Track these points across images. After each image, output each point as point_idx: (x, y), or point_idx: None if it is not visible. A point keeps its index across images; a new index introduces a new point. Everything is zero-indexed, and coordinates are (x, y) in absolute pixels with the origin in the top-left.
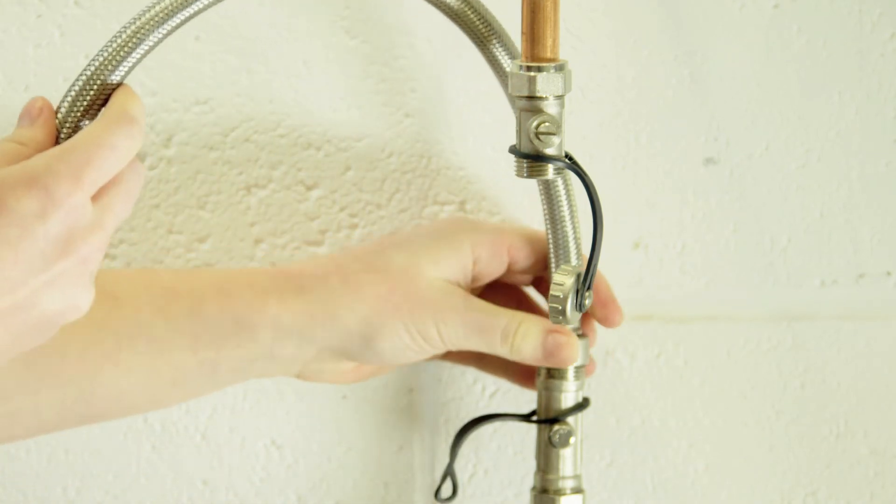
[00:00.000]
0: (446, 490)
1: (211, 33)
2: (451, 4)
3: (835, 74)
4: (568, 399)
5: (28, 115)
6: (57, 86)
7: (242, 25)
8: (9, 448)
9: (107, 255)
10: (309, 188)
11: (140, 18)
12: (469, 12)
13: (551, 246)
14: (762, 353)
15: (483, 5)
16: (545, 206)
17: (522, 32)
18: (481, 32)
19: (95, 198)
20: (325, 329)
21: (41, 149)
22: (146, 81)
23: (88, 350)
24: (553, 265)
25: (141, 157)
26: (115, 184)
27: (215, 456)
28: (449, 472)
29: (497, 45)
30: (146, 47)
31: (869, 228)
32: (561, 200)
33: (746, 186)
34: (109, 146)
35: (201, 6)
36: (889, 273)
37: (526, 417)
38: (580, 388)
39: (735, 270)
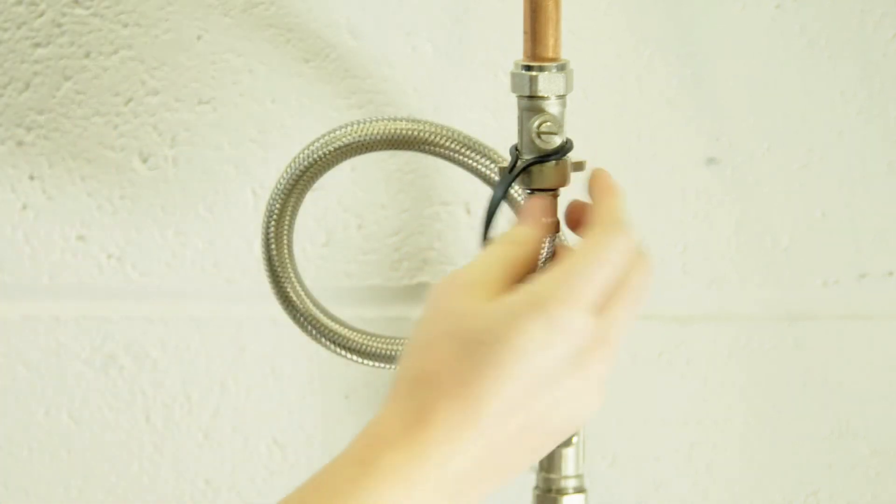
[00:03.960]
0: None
1: (213, 33)
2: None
3: (836, 74)
4: None
5: (529, 214)
6: (58, 85)
7: (244, 25)
8: (11, 448)
9: (110, 256)
10: (312, 188)
11: None
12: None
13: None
14: (764, 352)
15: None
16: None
17: (524, 32)
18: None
19: (601, 311)
20: None
21: (533, 244)
22: (148, 81)
23: None
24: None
25: (144, 156)
26: (618, 295)
27: (217, 455)
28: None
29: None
30: None
31: (871, 228)
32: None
33: (748, 186)
34: (607, 262)
35: None
36: (891, 273)
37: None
38: None
39: (737, 270)
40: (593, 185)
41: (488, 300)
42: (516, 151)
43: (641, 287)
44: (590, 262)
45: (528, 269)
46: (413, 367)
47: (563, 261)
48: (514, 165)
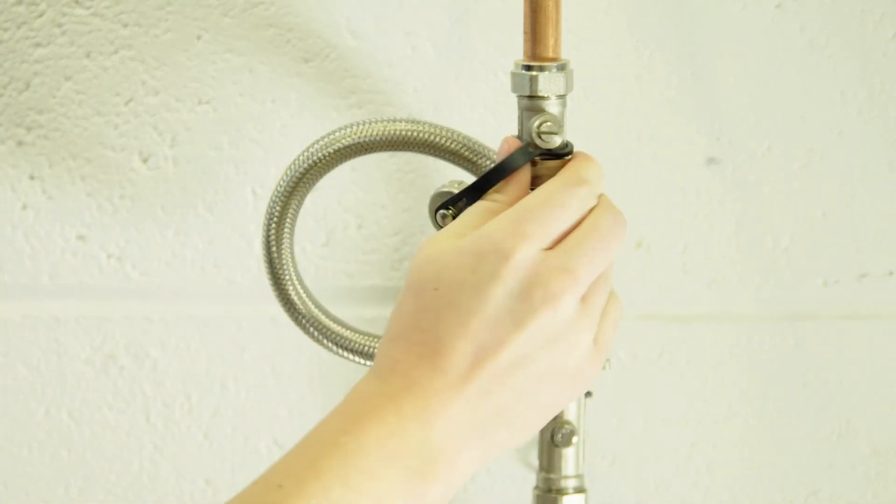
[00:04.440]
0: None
1: (213, 33)
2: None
3: (837, 74)
4: None
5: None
6: (58, 85)
7: (244, 24)
8: (11, 447)
9: (110, 256)
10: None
11: None
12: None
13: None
14: (764, 352)
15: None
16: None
17: (524, 32)
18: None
19: (552, 248)
20: None
21: (512, 202)
22: (148, 81)
23: None
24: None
25: (144, 156)
26: (575, 232)
27: (217, 455)
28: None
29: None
30: None
31: (871, 228)
32: None
33: (748, 186)
34: (558, 205)
35: None
36: (891, 273)
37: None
38: None
39: (737, 270)
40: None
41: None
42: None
43: (604, 227)
44: (540, 202)
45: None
46: (388, 328)
47: (514, 205)
48: (526, 150)
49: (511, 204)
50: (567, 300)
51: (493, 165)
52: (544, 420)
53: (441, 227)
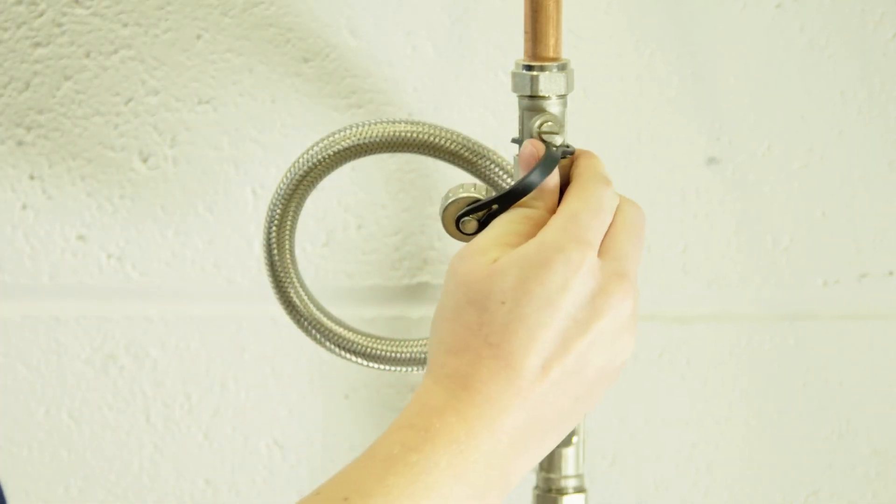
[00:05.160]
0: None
1: (213, 32)
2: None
3: (837, 74)
4: None
5: (524, 163)
6: (58, 85)
7: (244, 24)
8: (11, 447)
9: (110, 256)
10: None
11: None
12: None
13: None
14: (764, 352)
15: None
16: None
17: (525, 32)
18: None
19: (603, 253)
20: None
21: (551, 208)
22: (148, 80)
23: None
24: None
25: (144, 156)
26: (616, 233)
27: (217, 455)
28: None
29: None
30: None
31: (871, 228)
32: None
33: (748, 186)
34: (599, 209)
35: None
36: (891, 273)
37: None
38: None
39: (737, 270)
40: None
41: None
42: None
43: (636, 223)
44: (588, 209)
45: (533, 221)
46: (444, 339)
47: (561, 212)
48: (556, 153)
49: (550, 210)
50: (625, 305)
51: (530, 172)
52: (582, 418)
53: (462, 233)
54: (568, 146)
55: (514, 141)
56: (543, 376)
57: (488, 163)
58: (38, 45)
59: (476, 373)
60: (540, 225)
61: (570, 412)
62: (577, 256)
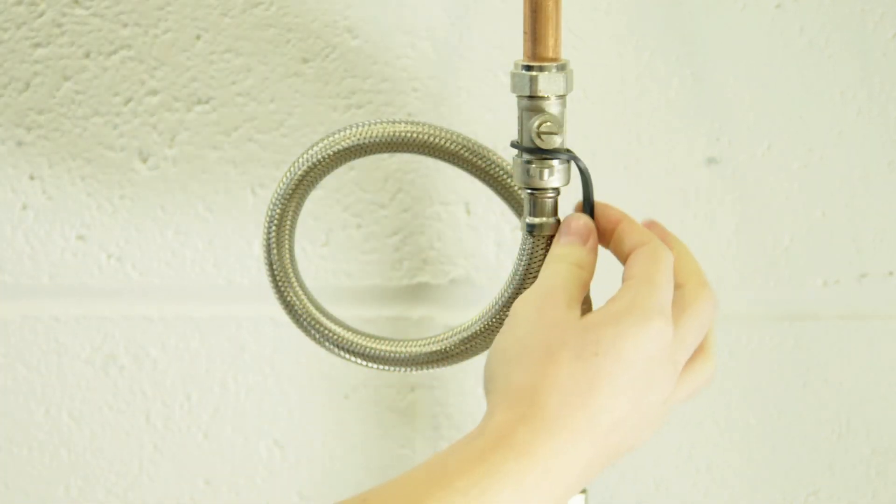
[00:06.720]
0: None
1: (212, 33)
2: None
3: (837, 74)
4: None
5: (578, 234)
6: (58, 85)
7: (244, 24)
8: (11, 447)
9: (110, 256)
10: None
11: None
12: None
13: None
14: (764, 352)
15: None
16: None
17: (524, 32)
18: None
19: (675, 325)
20: None
21: (591, 269)
22: (148, 81)
23: None
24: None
25: (143, 156)
26: (685, 312)
27: (217, 455)
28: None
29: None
30: None
31: (871, 228)
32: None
33: (748, 186)
34: (670, 280)
35: None
36: (891, 273)
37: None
38: None
39: (737, 270)
40: (658, 232)
41: (583, 314)
42: (567, 152)
43: (708, 317)
44: (664, 280)
45: (587, 291)
46: (530, 376)
47: (647, 280)
48: (583, 167)
49: (590, 271)
50: (679, 369)
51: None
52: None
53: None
54: (569, 151)
55: (513, 145)
56: (613, 431)
57: (488, 163)
58: (38, 45)
59: (561, 420)
60: (587, 288)
61: (626, 451)
62: (666, 327)
